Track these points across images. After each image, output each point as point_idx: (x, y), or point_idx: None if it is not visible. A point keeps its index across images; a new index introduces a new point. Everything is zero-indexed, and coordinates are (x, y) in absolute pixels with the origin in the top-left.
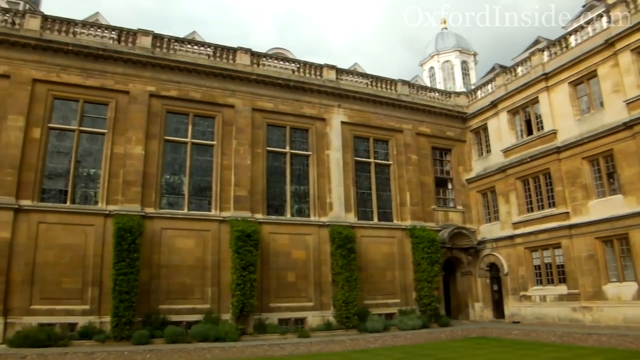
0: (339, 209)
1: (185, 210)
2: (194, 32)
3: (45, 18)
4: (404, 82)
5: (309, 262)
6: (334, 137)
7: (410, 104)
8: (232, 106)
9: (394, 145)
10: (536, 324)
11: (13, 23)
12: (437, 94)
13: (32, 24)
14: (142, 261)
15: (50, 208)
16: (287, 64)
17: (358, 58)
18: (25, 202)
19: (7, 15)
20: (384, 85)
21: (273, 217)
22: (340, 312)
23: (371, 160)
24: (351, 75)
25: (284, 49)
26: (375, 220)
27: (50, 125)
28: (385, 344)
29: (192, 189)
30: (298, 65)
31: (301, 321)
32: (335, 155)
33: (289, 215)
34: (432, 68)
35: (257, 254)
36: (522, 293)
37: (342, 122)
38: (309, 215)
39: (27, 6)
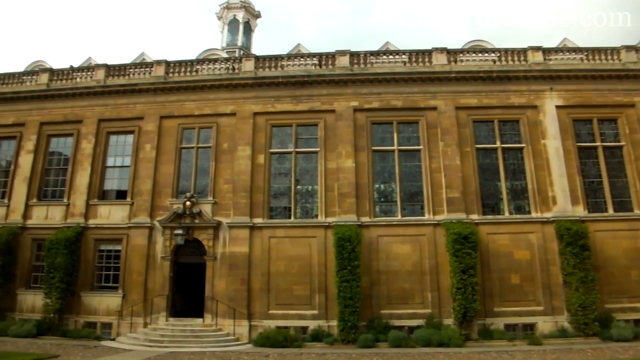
0: (563, 202)
1: (399, 217)
2: (387, 42)
3: (257, 58)
4: (629, 48)
5: (534, 262)
6: (550, 124)
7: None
8: (434, 108)
9: (625, 123)
10: None
11: (233, 69)
12: None
13: (247, 66)
14: (362, 268)
15: (277, 224)
16: (485, 55)
17: (565, 34)
18: (258, 220)
19: (228, 63)
20: (602, 57)
21: (490, 216)
22: (576, 317)
23: (597, 144)
24: (561, 53)
25: (481, 40)
26: (611, 211)
27: (271, 150)
28: (638, 355)
29: (403, 195)
30: (498, 54)
31: (530, 327)
32: (553, 144)
33: (507, 214)
34: None
35: (476, 256)
36: None
37: (557, 107)
38: (529, 212)
39: (242, 52)
